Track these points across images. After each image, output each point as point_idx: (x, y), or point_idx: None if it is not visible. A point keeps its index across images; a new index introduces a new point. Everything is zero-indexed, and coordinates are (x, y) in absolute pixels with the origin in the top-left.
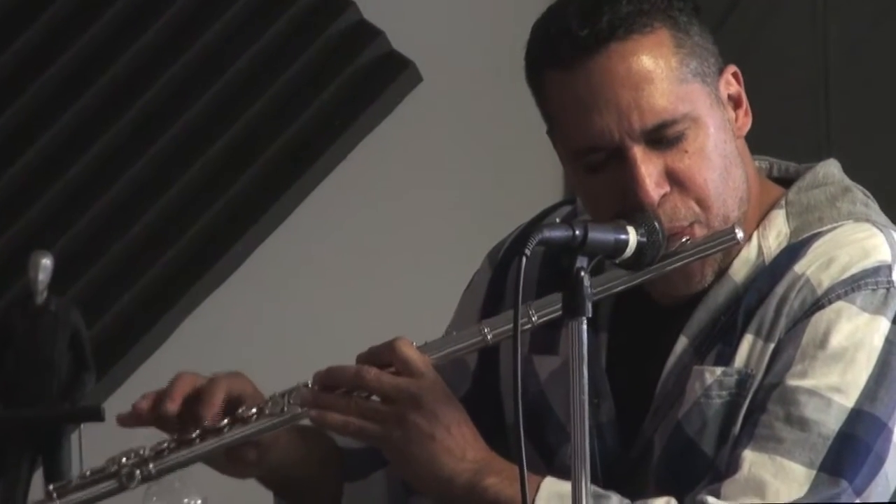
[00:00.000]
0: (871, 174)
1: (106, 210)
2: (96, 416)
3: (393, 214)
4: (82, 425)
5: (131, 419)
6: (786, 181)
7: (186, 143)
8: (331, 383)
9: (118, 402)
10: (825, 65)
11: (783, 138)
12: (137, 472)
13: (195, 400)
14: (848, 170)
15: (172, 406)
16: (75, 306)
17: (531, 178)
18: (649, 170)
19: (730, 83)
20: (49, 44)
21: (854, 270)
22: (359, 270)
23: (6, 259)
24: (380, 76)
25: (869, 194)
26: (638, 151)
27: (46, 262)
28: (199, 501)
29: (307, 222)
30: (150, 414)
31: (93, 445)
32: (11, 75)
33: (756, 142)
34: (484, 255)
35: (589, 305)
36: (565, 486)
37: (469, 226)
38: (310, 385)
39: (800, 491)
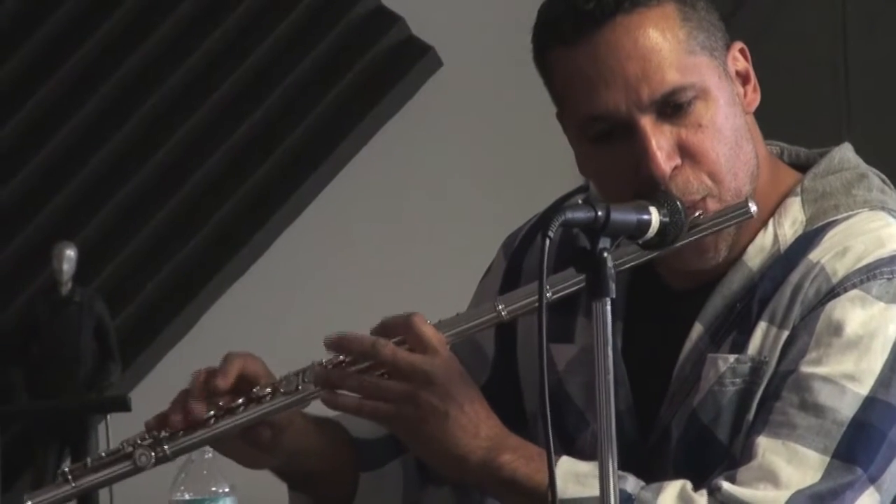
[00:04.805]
0: (891, 151)
1: (130, 201)
2: (123, 406)
3: (413, 199)
4: (109, 415)
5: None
6: (797, 167)
7: (207, 133)
8: (344, 351)
9: (144, 391)
10: (844, 44)
11: (803, 117)
12: (152, 452)
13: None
14: (868, 148)
15: (224, 382)
16: (100, 297)
17: (551, 162)
18: (660, 142)
19: (737, 59)
20: (70, 35)
21: (869, 259)
22: (380, 255)
23: (31, 250)
24: (400, 62)
25: (886, 179)
26: (647, 123)
27: (71, 252)
28: (227, 489)
29: (329, 209)
30: (201, 385)
31: (120, 435)
32: (32, 68)
33: (776, 120)
34: (503, 239)
35: (613, 286)
36: (581, 466)
37: (489, 210)
38: (324, 362)
39: (814, 477)
